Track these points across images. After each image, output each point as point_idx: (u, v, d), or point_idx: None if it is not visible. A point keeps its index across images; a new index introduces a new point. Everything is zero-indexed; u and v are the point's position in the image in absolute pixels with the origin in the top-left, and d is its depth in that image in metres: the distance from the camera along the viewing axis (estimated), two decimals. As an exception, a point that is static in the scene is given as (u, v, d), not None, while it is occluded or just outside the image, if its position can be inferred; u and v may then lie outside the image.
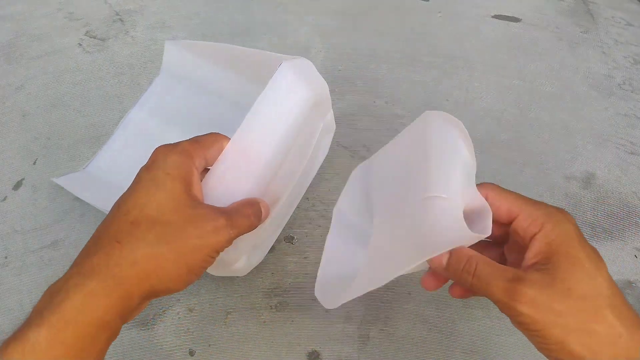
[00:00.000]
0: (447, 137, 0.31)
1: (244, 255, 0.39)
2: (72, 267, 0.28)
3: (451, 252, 0.29)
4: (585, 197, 0.50)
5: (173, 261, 0.28)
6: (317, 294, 0.35)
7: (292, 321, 0.42)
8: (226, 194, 0.33)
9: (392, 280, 0.44)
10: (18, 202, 0.50)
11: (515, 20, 0.68)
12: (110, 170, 0.49)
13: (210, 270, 0.42)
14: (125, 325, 0.40)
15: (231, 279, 0.44)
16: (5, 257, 0.46)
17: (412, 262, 0.28)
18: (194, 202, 0.30)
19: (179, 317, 0.43)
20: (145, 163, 0.31)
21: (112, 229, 0.28)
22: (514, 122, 0.56)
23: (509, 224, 0.31)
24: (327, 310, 0.43)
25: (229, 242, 0.31)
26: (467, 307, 0.43)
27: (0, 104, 0.58)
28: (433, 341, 0.41)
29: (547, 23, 0.67)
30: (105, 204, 0.43)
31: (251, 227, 0.32)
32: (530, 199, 0.31)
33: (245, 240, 0.35)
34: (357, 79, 0.60)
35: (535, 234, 0.29)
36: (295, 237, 0.47)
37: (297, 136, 0.37)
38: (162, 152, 0.31)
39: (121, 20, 0.67)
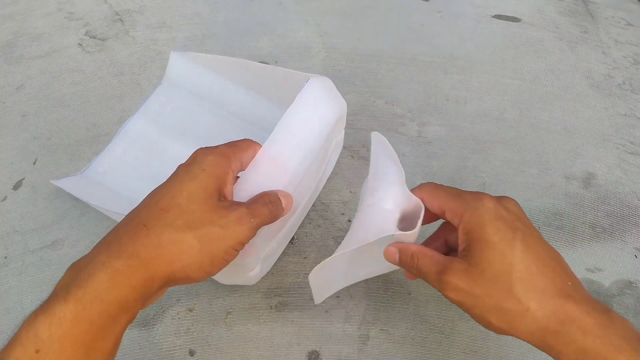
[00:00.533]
0: (382, 155, 0.37)
1: (258, 265, 0.39)
2: (98, 246, 0.28)
3: (400, 249, 0.34)
4: (585, 197, 0.50)
5: (197, 249, 0.29)
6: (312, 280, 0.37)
7: (292, 321, 0.42)
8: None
9: (393, 281, 0.44)
10: (18, 202, 0.50)
11: (515, 20, 0.68)
12: (108, 175, 0.49)
13: (223, 278, 0.42)
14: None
15: (231, 279, 0.44)
16: (5, 257, 0.46)
17: (354, 245, 0.34)
18: (223, 196, 0.31)
19: (179, 317, 0.43)
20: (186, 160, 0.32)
21: (142, 214, 0.29)
22: (514, 122, 0.56)
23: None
24: (327, 310, 0.43)
25: (252, 232, 0.31)
26: (467, 307, 0.43)
27: (0, 104, 0.58)
28: (433, 341, 0.41)
29: (547, 23, 0.67)
30: (104, 205, 0.43)
31: (272, 216, 0.33)
32: (457, 192, 0.34)
33: (265, 239, 0.36)
34: (357, 79, 0.60)
35: (458, 225, 0.32)
36: (295, 237, 0.47)
37: (319, 150, 0.38)
38: (202, 152, 0.32)
39: (121, 20, 0.67)
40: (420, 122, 0.56)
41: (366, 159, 0.52)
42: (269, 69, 0.46)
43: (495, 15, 0.68)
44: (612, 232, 0.48)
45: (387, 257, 0.35)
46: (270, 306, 0.43)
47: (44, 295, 0.43)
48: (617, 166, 0.53)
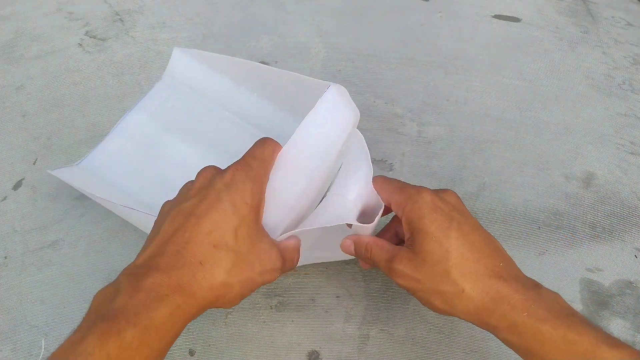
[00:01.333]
0: (358, 152, 0.39)
1: None
2: (157, 267, 0.29)
3: (354, 241, 0.37)
4: (585, 197, 0.50)
5: (236, 291, 0.31)
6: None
7: (292, 321, 0.42)
8: (274, 207, 0.35)
9: (393, 282, 0.44)
10: (18, 202, 0.50)
11: (515, 20, 0.68)
12: (104, 169, 0.49)
13: None
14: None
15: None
16: (5, 257, 0.46)
17: (315, 226, 0.36)
18: (261, 234, 0.33)
19: (179, 317, 0.43)
20: (222, 176, 0.33)
21: (196, 247, 0.30)
22: (514, 122, 0.56)
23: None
24: (327, 310, 0.43)
25: (273, 281, 0.34)
26: (467, 307, 0.43)
27: (0, 104, 0.58)
28: (433, 341, 0.41)
29: (547, 23, 0.67)
30: (102, 195, 0.43)
31: (290, 270, 0.36)
32: (401, 186, 0.37)
33: None
34: (357, 79, 0.60)
35: (402, 217, 0.36)
36: (295, 237, 0.47)
37: (335, 158, 0.38)
38: (242, 178, 0.32)
39: (121, 20, 0.67)
40: (420, 122, 0.56)
41: (366, 159, 0.52)
42: (273, 71, 0.45)
43: (495, 15, 0.68)
44: (612, 232, 0.48)
45: (344, 248, 0.38)
46: (270, 306, 0.43)
47: (44, 295, 0.43)
48: (617, 166, 0.53)
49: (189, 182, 0.34)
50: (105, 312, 0.27)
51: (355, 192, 0.38)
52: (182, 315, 0.29)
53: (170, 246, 0.30)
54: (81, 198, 0.50)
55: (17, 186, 0.51)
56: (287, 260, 0.35)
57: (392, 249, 0.35)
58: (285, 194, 0.35)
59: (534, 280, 0.33)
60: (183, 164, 0.47)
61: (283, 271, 0.35)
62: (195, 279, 0.29)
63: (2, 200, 0.50)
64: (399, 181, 0.38)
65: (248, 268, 0.31)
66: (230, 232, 0.31)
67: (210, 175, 0.33)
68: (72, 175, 0.47)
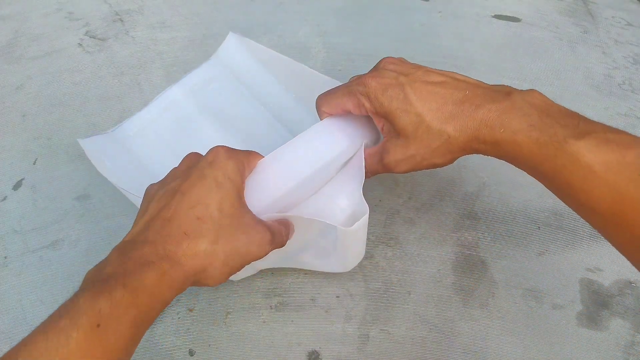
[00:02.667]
0: (358, 159, 0.40)
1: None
2: (145, 240, 0.30)
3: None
4: (585, 197, 0.50)
5: (221, 261, 0.32)
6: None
7: (292, 321, 0.42)
8: (260, 200, 0.36)
9: (393, 281, 0.44)
10: (18, 202, 0.50)
11: (515, 20, 0.68)
12: (138, 138, 0.49)
13: None
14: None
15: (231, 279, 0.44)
16: (5, 257, 0.46)
17: (305, 216, 0.37)
18: (245, 210, 0.34)
19: (179, 317, 0.43)
20: (205, 156, 0.35)
21: (181, 220, 0.31)
22: (514, 122, 0.56)
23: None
24: (327, 310, 0.43)
25: (265, 255, 0.34)
26: (467, 307, 0.43)
27: (0, 104, 0.58)
28: (433, 341, 0.41)
29: (547, 23, 0.67)
30: (120, 178, 0.43)
31: (281, 246, 0.36)
32: (343, 91, 0.38)
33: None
34: (357, 79, 0.60)
35: (365, 114, 0.37)
36: (295, 237, 0.47)
37: (331, 168, 0.39)
38: (224, 155, 0.34)
39: (121, 20, 0.67)
40: (420, 122, 0.56)
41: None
42: (315, 75, 0.47)
43: (495, 15, 0.68)
44: (612, 232, 0.48)
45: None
46: (270, 306, 0.43)
47: (44, 295, 0.43)
48: (617, 166, 0.53)
49: (174, 167, 0.36)
50: (96, 279, 0.28)
51: (347, 199, 0.38)
52: (169, 282, 0.29)
53: (156, 221, 0.31)
54: (81, 198, 0.50)
55: (17, 186, 0.51)
56: (276, 233, 0.35)
57: (375, 149, 0.38)
58: (274, 188, 0.36)
59: (504, 89, 0.35)
60: (207, 148, 0.49)
61: (273, 245, 0.34)
62: (181, 247, 0.30)
63: (2, 200, 0.50)
64: (338, 87, 0.39)
65: (233, 239, 0.32)
66: (213, 206, 0.32)
67: (195, 158, 0.36)
68: (98, 145, 0.47)
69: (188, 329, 0.42)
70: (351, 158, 0.40)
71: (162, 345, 0.41)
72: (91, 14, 0.68)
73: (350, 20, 0.67)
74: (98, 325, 0.25)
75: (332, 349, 0.41)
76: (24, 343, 0.25)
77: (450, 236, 0.47)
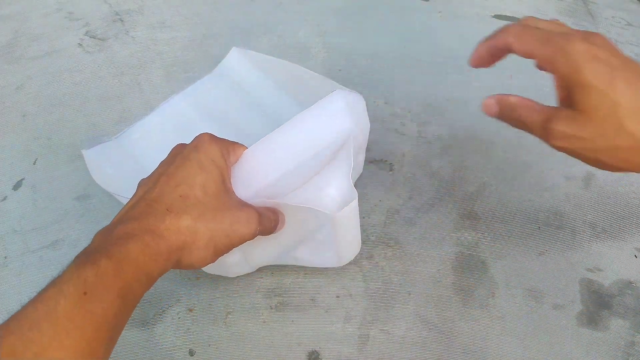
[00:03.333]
0: (347, 148, 0.39)
1: (237, 253, 0.39)
2: (125, 216, 0.31)
3: (498, 100, 0.35)
4: (586, 197, 0.50)
5: (206, 239, 0.32)
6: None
7: (292, 321, 0.42)
8: (247, 188, 0.36)
9: (393, 281, 0.44)
10: (18, 202, 0.50)
11: (516, 20, 0.67)
12: (141, 142, 0.50)
13: (206, 268, 0.42)
14: (125, 325, 0.40)
15: (231, 279, 0.44)
16: (5, 257, 0.46)
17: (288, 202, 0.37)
18: (230, 192, 0.34)
19: (179, 317, 0.43)
20: (190, 143, 0.35)
21: (164, 198, 0.32)
22: (514, 122, 0.56)
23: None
24: (327, 310, 0.43)
25: (253, 237, 0.34)
26: (467, 307, 0.43)
27: (0, 103, 0.58)
28: (433, 341, 0.41)
29: (547, 23, 0.67)
30: (122, 184, 0.43)
31: (269, 232, 0.36)
32: (545, 37, 0.33)
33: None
34: (357, 79, 0.60)
35: (552, 72, 0.33)
36: (295, 237, 0.47)
37: (325, 160, 0.39)
38: (208, 140, 0.35)
39: (121, 20, 0.67)
40: (420, 122, 0.56)
41: (366, 159, 0.52)
42: (315, 78, 0.47)
43: (495, 15, 0.68)
44: (612, 232, 0.48)
45: (486, 108, 0.35)
46: (270, 306, 0.43)
47: (44, 295, 0.43)
48: (617, 166, 0.53)
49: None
50: (81, 255, 0.29)
51: (334, 188, 0.38)
52: (153, 255, 0.29)
53: (141, 203, 0.32)
54: (81, 198, 0.50)
55: (17, 186, 0.51)
56: (264, 216, 0.35)
57: (546, 108, 0.33)
58: (260, 177, 0.37)
59: None
60: None
61: (261, 225, 0.34)
62: (164, 222, 0.30)
63: (2, 200, 0.50)
64: (540, 30, 0.34)
65: (218, 218, 0.32)
66: (198, 186, 0.32)
67: (181, 147, 0.36)
68: (102, 153, 0.47)
69: (188, 329, 0.42)
70: (340, 148, 0.40)
71: (162, 345, 0.41)
72: (91, 14, 0.68)
73: (350, 20, 0.67)
74: (85, 293, 0.26)
75: (332, 349, 0.41)
76: (14, 316, 0.26)
77: (450, 236, 0.47)
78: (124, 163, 0.48)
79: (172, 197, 0.32)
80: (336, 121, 0.40)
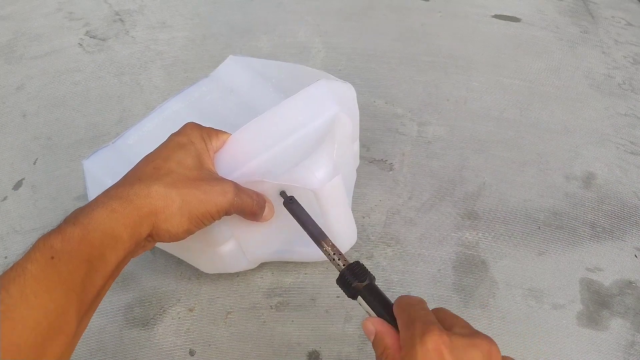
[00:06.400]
0: (331, 138, 0.40)
1: (230, 241, 0.40)
2: (100, 195, 0.32)
3: (377, 334, 0.31)
4: (586, 197, 0.50)
5: (178, 205, 0.32)
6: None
7: (292, 321, 0.42)
8: (234, 168, 0.38)
9: (393, 281, 0.44)
10: (18, 202, 0.50)
11: (515, 20, 0.68)
12: (136, 147, 0.50)
13: (205, 267, 0.42)
14: (126, 325, 0.40)
15: (231, 278, 0.44)
16: (5, 257, 0.46)
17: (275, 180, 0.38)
18: (206, 168, 0.35)
19: (179, 317, 0.43)
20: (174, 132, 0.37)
21: (138, 171, 0.33)
22: (514, 122, 0.56)
23: None
24: (327, 310, 0.43)
25: (231, 208, 0.34)
26: (467, 307, 0.43)
27: (0, 103, 0.58)
28: (433, 341, 0.41)
29: (547, 23, 0.67)
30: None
31: (252, 212, 0.36)
32: (409, 319, 0.30)
33: (234, 226, 0.38)
34: (357, 78, 0.60)
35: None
36: (295, 237, 0.47)
37: (310, 144, 0.39)
38: (191, 126, 0.37)
39: (121, 20, 0.67)
40: (420, 122, 0.56)
41: (366, 159, 0.52)
42: (310, 72, 0.47)
43: (495, 15, 0.68)
44: (612, 232, 0.48)
45: (365, 329, 0.33)
46: (271, 306, 0.43)
47: (44, 295, 0.43)
48: (617, 166, 0.53)
49: None
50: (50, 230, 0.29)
51: (320, 170, 0.39)
52: (121, 219, 0.30)
53: (118, 181, 0.33)
54: (81, 198, 0.50)
55: (17, 186, 0.51)
56: (243, 191, 0.35)
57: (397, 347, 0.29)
58: (243, 159, 0.38)
59: None
60: None
61: (241, 203, 0.35)
62: (133, 189, 0.31)
63: (2, 200, 0.50)
64: (415, 310, 0.31)
65: (191, 186, 0.33)
66: (173, 160, 0.33)
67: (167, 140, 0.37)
68: (100, 162, 0.48)
69: (188, 329, 0.42)
70: (326, 133, 0.41)
71: (162, 345, 0.41)
72: (91, 13, 0.68)
73: (350, 20, 0.67)
74: (52, 258, 0.27)
75: (332, 349, 0.41)
76: None
77: (450, 236, 0.47)
78: (122, 172, 0.48)
79: (146, 169, 0.33)
80: (319, 107, 0.41)
